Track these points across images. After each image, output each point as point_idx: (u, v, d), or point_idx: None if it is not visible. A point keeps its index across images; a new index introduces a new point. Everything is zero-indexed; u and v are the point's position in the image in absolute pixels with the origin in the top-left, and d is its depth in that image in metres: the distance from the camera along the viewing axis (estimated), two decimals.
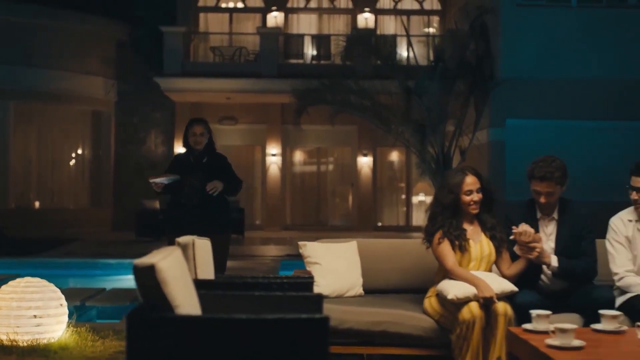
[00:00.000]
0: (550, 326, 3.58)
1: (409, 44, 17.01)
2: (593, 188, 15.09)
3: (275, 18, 20.97)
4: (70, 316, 5.74)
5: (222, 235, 6.20)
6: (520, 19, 16.11)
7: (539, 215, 4.92)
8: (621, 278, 4.70)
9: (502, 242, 4.73)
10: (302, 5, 21.39)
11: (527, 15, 16.11)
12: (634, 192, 4.76)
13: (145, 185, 21.41)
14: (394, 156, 21.39)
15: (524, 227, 4.62)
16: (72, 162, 20.68)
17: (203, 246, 3.99)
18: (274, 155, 20.48)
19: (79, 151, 20.72)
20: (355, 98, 16.54)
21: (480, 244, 4.70)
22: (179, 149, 20.10)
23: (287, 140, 20.63)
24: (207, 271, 3.93)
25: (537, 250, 4.61)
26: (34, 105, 19.41)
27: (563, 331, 3.46)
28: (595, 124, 15.99)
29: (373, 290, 5.19)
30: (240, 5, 21.44)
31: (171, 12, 20.37)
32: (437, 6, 21.31)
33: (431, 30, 21.19)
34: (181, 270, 3.12)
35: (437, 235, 4.65)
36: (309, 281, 3.76)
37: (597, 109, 15.91)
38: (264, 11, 21.12)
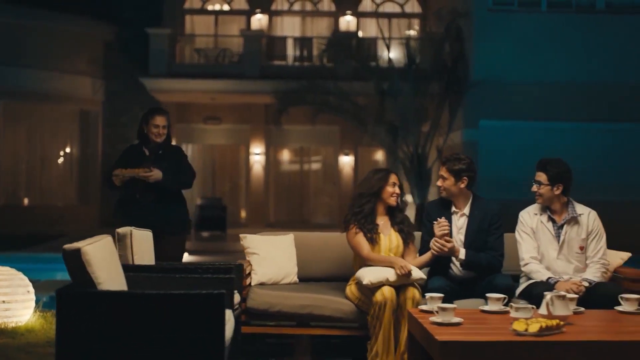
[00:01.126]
0: (435, 306, 4.12)
1: (387, 47, 17.54)
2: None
3: (259, 20, 21.50)
4: (44, 305, 6.32)
5: (177, 237, 5.98)
6: (492, 23, 16.61)
7: (453, 209, 5.45)
8: (526, 264, 5.25)
9: (410, 235, 5.31)
10: (285, 7, 21.93)
11: (499, 19, 16.62)
12: (535, 185, 5.30)
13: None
14: (375, 155, 21.93)
15: (442, 221, 5.18)
16: (61, 160, 21.20)
17: (142, 236, 4.52)
18: (257, 154, 21.01)
19: (68, 150, 21.24)
20: (334, 99, 17.12)
21: (389, 236, 5.27)
22: None
23: (270, 140, 21.17)
24: (145, 258, 4.46)
25: (449, 246, 5.16)
26: (23, 105, 19.91)
27: (444, 310, 3.99)
28: (565, 125, 16.50)
29: (308, 279, 5.73)
30: (225, 7, 21.97)
31: (158, 14, 20.91)
32: (417, 9, 21.83)
33: (412, 32, 21.72)
34: (108, 254, 3.65)
35: (353, 227, 5.20)
36: (229, 266, 4.29)
37: (567, 111, 16.43)
38: (249, 14, 21.66)
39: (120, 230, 4.42)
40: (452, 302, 4.95)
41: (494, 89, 16.43)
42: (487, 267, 5.28)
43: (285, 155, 22.19)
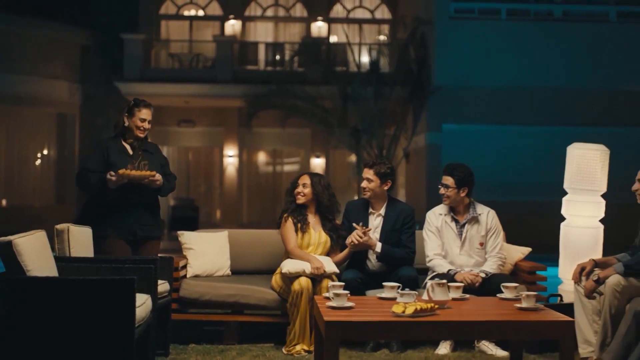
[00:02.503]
0: (331, 293, 4.69)
1: (352, 52, 18.14)
2: (520, 188, 16.31)
3: (232, 26, 22.05)
4: None
5: (156, 240, 5.80)
6: (454, 30, 17.22)
7: (370, 210, 6.05)
8: (430, 260, 5.86)
9: (339, 238, 5.96)
10: (259, 13, 22.49)
11: (460, 26, 17.24)
12: (442, 188, 5.90)
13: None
14: (348, 158, 22.51)
15: (358, 227, 5.80)
16: (38, 161, 21.69)
17: (79, 232, 5.08)
18: (230, 156, 21.56)
19: (45, 151, 21.74)
20: (302, 103, 17.70)
21: (319, 233, 5.93)
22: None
23: (243, 142, 21.71)
24: (82, 251, 5.02)
25: (365, 238, 5.76)
26: (2, 108, 20.37)
27: (338, 295, 4.57)
28: (523, 129, 17.13)
29: (240, 272, 6.32)
30: (200, 13, 22.52)
31: (134, 19, 21.44)
32: (387, 15, 22.43)
33: (382, 38, 22.31)
34: (40, 246, 4.21)
35: (284, 219, 5.83)
36: (154, 259, 4.85)
37: (525, 115, 17.07)
38: (223, 19, 22.20)
39: (59, 226, 4.97)
40: (364, 292, 5.60)
41: (456, 94, 17.04)
42: (400, 261, 5.88)
43: (258, 157, 22.76)
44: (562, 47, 17.14)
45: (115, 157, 5.59)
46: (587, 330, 5.12)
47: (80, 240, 5.07)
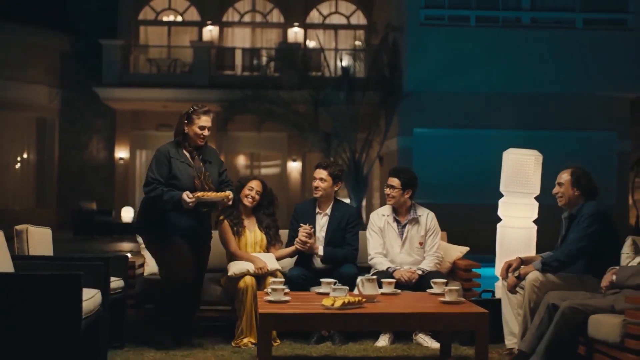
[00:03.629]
0: (269, 288, 5.07)
1: (324, 57, 18.53)
2: (488, 191, 16.69)
3: (210, 31, 22.42)
4: None
5: (208, 245, 5.98)
6: (424, 36, 17.59)
7: (317, 210, 6.43)
8: (372, 258, 6.25)
9: (275, 237, 6.35)
10: (236, 19, 22.87)
11: (430, 33, 17.61)
12: (388, 189, 6.28)
13: (86, 187, 22.63)
14: None
15: (306, 227, 6.17)
16: (18, 165, 21.98)
17: (37, 232, 5.44)
18: None
19: (25, 155, 22.04)
20: (277, 108, 18.06)
21: (254, 232, 6.28)
22: (120, 153, 21.52)
23: (221, 146, 21.99)
24: (40, 250, 5.38)
25: (309, 244, 6.14)
26: None
27: (275, 290, 4.95)
28: (492, 133, 17.51)
29: None
30: (179, 19, 22.87)
31: (113, 25, 21.77)
32: (363, 21, 22.84)
33: (358, 43, 22.71)
34: None
35: (220, 218, 6.22)
36: (106, 257, 5.21)
37: (494, 120, 17.46)
38: (201, 25, 22.57)
39: (18, 227, 5.33)
40: (308, 289, 5.97)
41: (427, 99, 17.42)
42: (343, 260, 6.26)
43: (237, 160, 23.11)
44: (530, 53, 17.54)
45: (177, 167, 5.57)
46: (512, 323, 5.52)
47: (39, 240, 5.42)
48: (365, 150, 17.86)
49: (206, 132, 5.63)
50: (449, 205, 14.81)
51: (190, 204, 5.41)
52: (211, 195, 5.50)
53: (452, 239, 6.79)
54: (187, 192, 5.44)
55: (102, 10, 21.84)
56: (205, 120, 5.63)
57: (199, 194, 5.43)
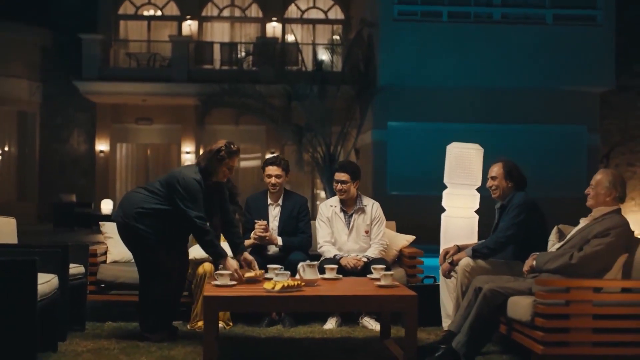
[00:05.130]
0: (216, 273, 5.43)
1: (300, 52, 18.86)
2: None
3: (189, 26, 22.71)
4: None
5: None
6: (397, 31, 17.95)
7: (269, 202, 6.80)
8: (321, 247, 6.64)
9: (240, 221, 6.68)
10: (215, 14, 23.15)
11: (403, 28, 17.96)
12: (339, 184, 6.64)
13: (68, 179, 22.87)
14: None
15: (261, 222, 6.54)
16: None
17: (1, 222, 5.79)
18: (188, 152, 22.23)
19: (6, 148, 22.30)
20: (253, 101, 18.38)
21: None
22: (101, 146, 21.82)
23: (200, 139, 22.36)
24: (4, 238, 5.73)
25: (267, 236, 6.52)
26: None
27: (221, 275, 5.31)
28: (464, 127, 17.90)
29: None
30: (158, 13, 23.14)
31: (93, 19, 22.04)
32: (340, 16, 23.17)
33: (336, 38, 23.02)
34: None
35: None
36: (65, 245, 5.55)
37: (466, 113, 17.85)
38: (180, 19, 22.86)
39: None
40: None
41: (400, 93, 17.78)
42: (299, 248, 6.64)
43: None
44: (501, 48, 17.92)
45: (205, 198, 5.64)
46: (449, 306, 5.93)
47: (3, 229, 5.77)
48: (340, 143, 18.19)
49: (232, 172, 5.77)
50: (422, 197, 15.20)
51: (224, 268, 5.48)
52: (252, 275, 5.46)
53: (426, 231, 7.16)
54: (233, 262, 5.55)
55: (82, 5, 22.10)
56: (236, 161, 5.76)
57: (248, 275, 5.45)
